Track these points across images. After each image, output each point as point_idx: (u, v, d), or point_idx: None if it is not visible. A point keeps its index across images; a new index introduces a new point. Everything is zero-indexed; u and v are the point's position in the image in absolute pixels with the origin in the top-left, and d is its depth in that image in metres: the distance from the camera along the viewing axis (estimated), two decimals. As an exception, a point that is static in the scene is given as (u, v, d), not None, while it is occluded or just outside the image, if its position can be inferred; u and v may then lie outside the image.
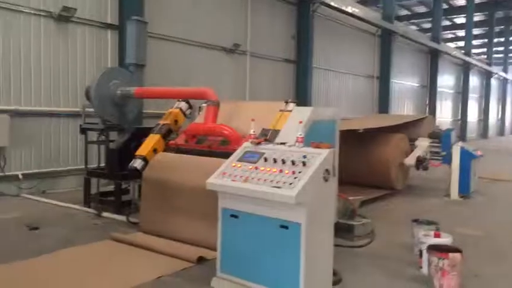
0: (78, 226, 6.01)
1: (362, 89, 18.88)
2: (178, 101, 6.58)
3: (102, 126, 7.02)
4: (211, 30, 11.70)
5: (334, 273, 4.10)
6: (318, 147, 3.88)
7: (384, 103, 19.48)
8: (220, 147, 5.53)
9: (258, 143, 4.20)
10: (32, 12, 8.09)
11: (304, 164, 3.69)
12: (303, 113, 5.06)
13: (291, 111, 5.33)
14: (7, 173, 7.84)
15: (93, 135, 7.47)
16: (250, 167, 3.93)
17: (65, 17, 8.45)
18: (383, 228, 6.09)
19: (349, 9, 15.84)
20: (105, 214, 6.53)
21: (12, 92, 7.90)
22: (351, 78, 18.06)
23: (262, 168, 3.85)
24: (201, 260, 4.58)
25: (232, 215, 3.90)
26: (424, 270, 4.36)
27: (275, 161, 3.86)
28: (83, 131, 7.35)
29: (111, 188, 7.12)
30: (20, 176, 7.98)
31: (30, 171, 8.18)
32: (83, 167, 7.46)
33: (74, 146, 8.77)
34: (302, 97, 14.25)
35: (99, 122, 7.08)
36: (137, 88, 6.95)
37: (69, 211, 6.87)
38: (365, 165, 8.62)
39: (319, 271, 3.77)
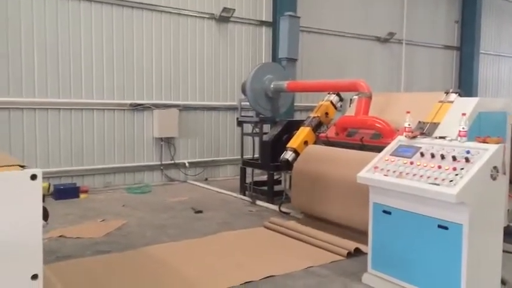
0: (235, 212, 6.45)
1: (542, 76, 16.38)
2: (329, 93, 6.57)
3: (257, 119, 7.40)
4: (364, 20, 11.39)
5: (503, 282, 3.68)
6: (484, 142, 3.51)
7: None
8: (371, 141, 5.38)
9: (414, 137, 3.97)
10: (197, 15, 8.90)
11: (467, 160, 3.36)
12: (467, 104, 4.60)
13: (452, 102, 4.90)
14: (176, 161, 8.80)
15: (248, 128, 7.94)
16: (405, 161, 3.73)
17: (225, 17, 9.11)
18: None
19: (526, -16, 13.86)
20: (258, 202, 6.89)
21: (180, 87, 8.82)
22: (527, 64, 15.81)
23: (418, 164, 3.62)
24: (350, 254, 4.53)
25: (384, 211, 3.76)
26: None
27: (433, 156, 3.60)
28: (240, 123, 7.87)
29: (264, 178, 7.48)
30: (187, 164, 8.90)
31: (195, 160, 9.05)
32: (239, 157, 8.02)
33: (232, 137, 9.44)
34: (466, 87, 12.98)
35: (253, 115, 7.50)
36: (289, 82, 7.13)
37: (227, 198, 7.44)
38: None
39: (484, 278, 3.41)
